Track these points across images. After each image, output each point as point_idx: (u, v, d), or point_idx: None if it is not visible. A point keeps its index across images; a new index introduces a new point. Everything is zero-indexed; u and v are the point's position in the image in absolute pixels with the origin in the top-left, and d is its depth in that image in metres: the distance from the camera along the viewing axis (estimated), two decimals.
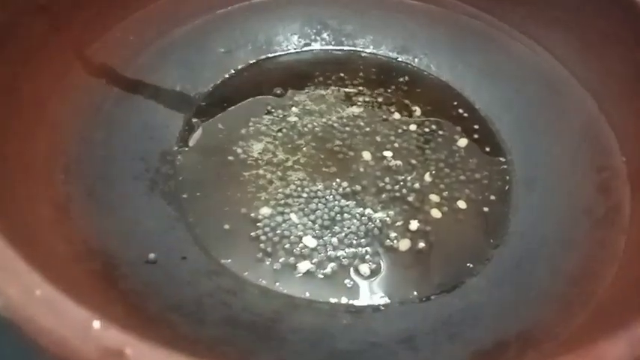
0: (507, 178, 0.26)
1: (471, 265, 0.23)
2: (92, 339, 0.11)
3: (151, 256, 0.21)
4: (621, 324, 0.13)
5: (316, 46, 0.31)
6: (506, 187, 0.26)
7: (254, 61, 0.30)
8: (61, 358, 0.11)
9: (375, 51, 0.31)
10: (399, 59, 0.31)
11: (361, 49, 0.31)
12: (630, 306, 0.16)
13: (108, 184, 0.23)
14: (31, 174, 0.20)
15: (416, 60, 0.31)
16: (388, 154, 0.27)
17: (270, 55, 0.30)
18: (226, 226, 0.24)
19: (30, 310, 0.12)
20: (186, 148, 0.26)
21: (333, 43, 0.31)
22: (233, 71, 0.29)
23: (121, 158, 0.24)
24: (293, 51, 0.31)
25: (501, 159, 0.27)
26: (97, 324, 0.11)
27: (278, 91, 0.29)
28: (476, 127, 0.28)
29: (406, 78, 0.30)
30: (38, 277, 0.12)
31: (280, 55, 0.31)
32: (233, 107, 0.28)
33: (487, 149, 0.27)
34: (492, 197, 0.25)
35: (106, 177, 0.23)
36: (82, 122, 0.23)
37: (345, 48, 0.31)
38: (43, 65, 0.22)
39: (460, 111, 0.29)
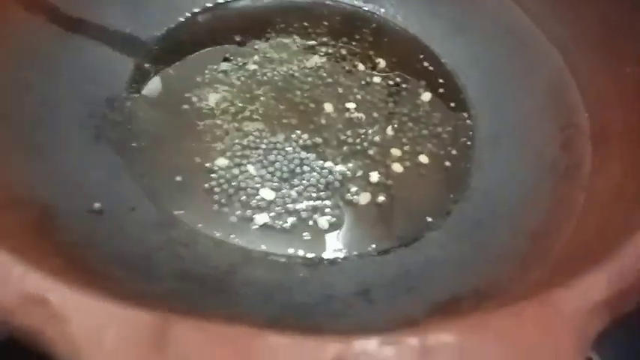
0: (471, 133, 0.26)
1: (431, 220, 0.22)
2: (12, 284, 0.10)
3: (96, 205, 0.20)
4: (576, 275, 0.13)
5: None
6: (470, 143, 0.25)
7: (211, 4, 0.28)
8: None
9: None
10: (365, 8, 0.30)
11: None
12: (585, 260, 0.16)
13: (46, 129, 0.21)
14: None
15: (382, 10, 0.29)
16: (351, 106, 0.26)
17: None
18: (179, 177, 0.22)
19: None
20: (137, 95, 0.25)
21: None
22: (188, 14, 0.28)
23: (62, 104, 0.22)
24: None
25: (466, 114, 0.26)
26: (18, 268, 0.10)
27: (237, 38, 0.27)
28: (441, 81, 0.27)
29: (372, 28, 0.29)
30: None
31: (239, 0, 0.29)
32: (188, 53, 0.27)
33: (452, 104, 0.27)
34: (455, 153, 0.25)
35: (43, 122, 0.21)
36: (15, 63, 0.21)
37: None
38: None
39: (426, 64, 0.28)
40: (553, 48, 0.25)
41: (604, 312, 0.12)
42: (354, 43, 0.28)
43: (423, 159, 0.24)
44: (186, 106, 0.25)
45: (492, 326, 0.11)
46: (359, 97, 0.26)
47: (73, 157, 0.21)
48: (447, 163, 0.24)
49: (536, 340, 0.11)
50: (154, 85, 0.25)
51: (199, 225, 0.21)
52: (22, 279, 0.10)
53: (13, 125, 0.19)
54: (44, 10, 0.23)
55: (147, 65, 0.25)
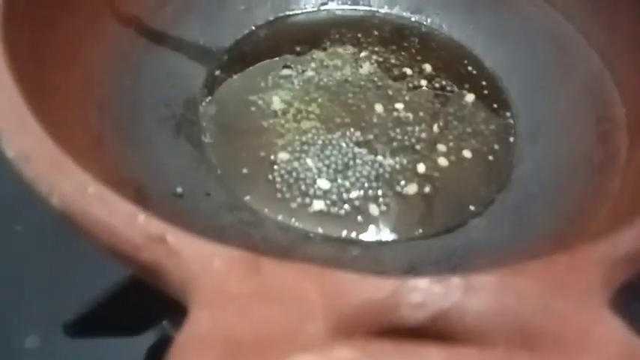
0: (512, 131, 0.27)
1: (474, 208, 0.24)
2: (138, 227, 0.13)
3: (179, 190, 0.23)
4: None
5: (333, 5, 0.32)
6: (511, 139, 0.27)
7: (272, 18, 0.31)
8: (112, 244, 0.13)
9: (389, 11, 0.32)
10: (413, 19, 0.32)
11: (376, 9, 0.32)
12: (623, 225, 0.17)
13: (137, 124, 0.24)
14: (68, 105, 0.21)
15: (428, 20, 0.32)
16: (399, 106, 0.28)
17: (287, 13, 0.32)
18: (245, 169, 0.25)
19: (84, 203, 0.13)
20: (209, 98, 0.28)
21: (349, 2, 0.32)
22: (253, 27, 0.31)
23: (148, 103, 0.26)
24: (310, 10, 0.32)
25: (507, 113, 0.28)
26: (142, 215, 0.13)
27: (296, 48, 0.30)
28: (484, 83, 0.29)
29: (418, 37, 0.31)
30: (89, 177, 0.14)
31: (297, 14, 0.32)
32: (253, 61, 0.30)
33: (494, 105, 0.29)
34: (497, 148, 0.27)
35: (135, 118, 0.24)
36: (112, 67, 0.25)
37: (361, 8, 0.32)
38: (77, 11, 0.23)
39: (469, 68, 0.30)
40: (592, 50, 0.27)
41: (628, 264, 0.14)
42: (402, 51, 0.31)
43: (467, 154, 0.26)
44: (252, 108, 0.28)
45: (529, 269, 0.13)
46: (407, 98, 0.29)
47: (158, 149, 0.24)
48: (490, 158, 0.26)
49: (566, 278, 0.13)
50: (223, 90, 0.28)
51: (265, 209, 0.24)
52: (146, 223, 0.13)
53: (113, 119, 0.23)
54: (134, 25, 0.27)
55: (217, 72, 0.29)
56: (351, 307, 0.12)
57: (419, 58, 0.30)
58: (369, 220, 0.24)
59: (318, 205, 0.24)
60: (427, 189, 0.25)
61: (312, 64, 0.30)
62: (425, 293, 0.13)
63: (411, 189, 0.25)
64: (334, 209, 0.24)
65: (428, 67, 0.30)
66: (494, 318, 0.12)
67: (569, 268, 0.13)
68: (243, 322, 0.10)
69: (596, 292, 0.12)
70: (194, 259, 0.12)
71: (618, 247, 0.13)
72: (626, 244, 0.14)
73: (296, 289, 0.12)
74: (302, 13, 0.32)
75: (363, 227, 0.24)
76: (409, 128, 0.27)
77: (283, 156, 0.26)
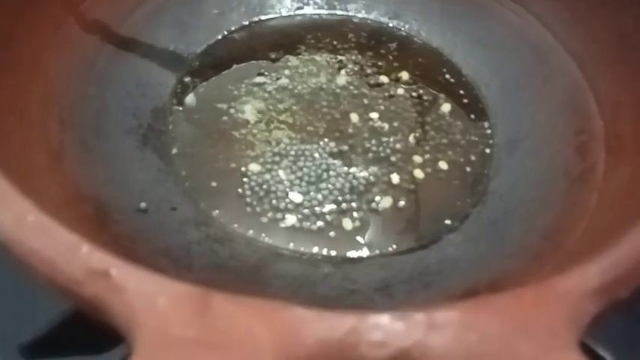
0: (490, 141, 0.27)
1: (450, 222, 0.24)
2: (79, 260, 0.12)
3: (142, 205, 0.22)
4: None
5: (308, 10, 0.31)
6: (489, 151, 0.26)
7: (246, 23, 0.30)
8: (51, 277, 0.12)
9: (366, 16, 0.31)
10: (390, 25, 0.31)
11: (353, 14, 0.31)
12: (595, 252, 0.17)
13: (101, 136, 0.23)
14: (26, 122, 0.20)
15: (407, 26, 0.31)
16: (375, 116, 0.27)
17: (262, 18, 0.31)
18: (215, 182, 0.24)
19: (21, 233, 0.12)
20: (180, 107, 0.27)
21: (325, 7, 0.32)
22: (226, 32, 0.30)
23: (114, 113, 0.25)
24: (285, 14, 0.31)
25: (485, 124, 0.27)
26: (84, 247, 0.12)
27: (270, 54, 0.29)
28: (462, 92, 0.29)
29: (396, 43, 0.31)
30: (30, 206, 0.13)
31: (273, 18, 0.31)
32: (226, 68, 0.29)
33: (472, 114, 0.28)
34: (474, 159, 0.26)
35: (98, 130, 0.24)
36: (75, 76, 0.24)
37: (338, 12, 0.32)
38: (38, 18, 0.22)
39: (447, 77, 0.29)
40: (570, 59, 0.26)
41: (598, 297, 0.13)
42: (379, 58, 0.30)
43: (443, 165, 0.26)
44: (224, 117, 0.27)
45: (493, 305, 0.12)
46: (383, 107, 0.28)
47: (123, 162, 0.23)
48: (467, 169, 0.26)
49: (531, 317, 0.12)
50: (193, 98, 0.27)
51: (234, 224, 0.23)
52: (88, 255, 0.12)
53: (75, 131, 0.22)
54: (100, 31, 0.25)
55: (188, 79, 0.28)
56: (305, 348, 0.11)
57: (396, 65, 0.30)
58: (342, 235, 0.23)
59: (290, 219, 0.24)
60: (402, 202, 0.24)
61: (287, 71, 0.29)
62: (386, 330, 0.12)
63: (386, 202, 0.24)
64: (306, 224, 0.23)
65: (405, 75, 0.29)
66: (455, 358, 0.11)
67: (534, 305, 0.12)
68: None
69: (564, 331, 0.12)
70: (138, 296, 0.12)
71: (587, 279, 0.13)
72: (595, 276, 0.13)
73: (245, 332, 0.11)
74: (277, 17, 0.31)
75: (335, 243, 0.23)
76: (385, 139, 0.27)
77: (254, 168, 0.25)
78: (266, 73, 0.29)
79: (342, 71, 0.29)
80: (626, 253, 0.14)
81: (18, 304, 0.24)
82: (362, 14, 0.32)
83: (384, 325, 0.12)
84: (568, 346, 0.11)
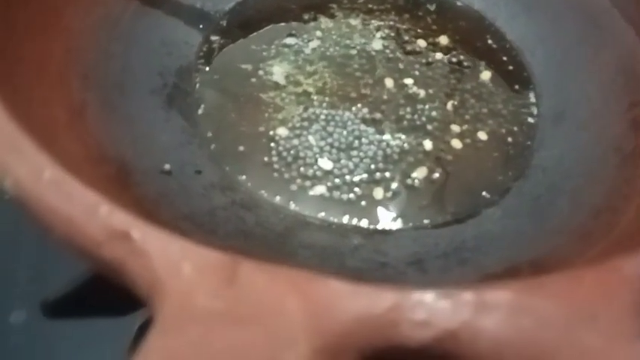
0: (534, 112, 0.25)
1: (488, 196, 0.22)
2: (99, 220, 0.11)
3: (166, 166, 0.21)
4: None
5: None
6: (532, 122, 0.25)
7: None
8: (69, 238, 0.11)
9: None
10: None
11: None
12: None
13: (124, 95, 0.22)
14: (47, 78, 0.19)
15: None
16: (411, 82, 0.26)
17: None
18: (241, 146, 0.23)
19: (38, 189, 0.12)
20: (206, 67, 0.26)
21: None
22: None
23: (139, 71, 0.24)
24: None
25: (530, 93, 0.26)
26: (104, 206, 0.11)
27: (302, 15, 0.28)
28: (505, 59, 0.27)
29: (435, 5, 0.29)
30: (47, 160, 0.12)
31: None
32: (255, 28, 0.27)
33: (515, 82, 0.26)
34: (516, 130, 0.24)
35: (122, 89, 0.23)
36: (99, 33, 0.23)
37: None
38: None
39: (490, 42, 0.27)
40: (626, 25, 0.24)
41: None
42: (416, 21, 0.28)
43: (483, 136, 0.24)
44: (252, 79, 0.25)
45: (550, 287, 0.11)
46: (420, 73, 0.26)
47: (146, 122, 0.22)
48: (508, 141, 0.24)
49: (592, 302, 0.11)
50: (221, 58, 0.26)
51: (261, 190, 0.22)
52: (109, 215, 0.11)
53: (98, 89, 0.21)
54: None
55: (215, 38, 0.27)
56: (341, 325, 0.10)
57: (435, 28, 0.28)
58: (373, 205, 0.22)
59: (319, 187, 0.22)
60: (438, 173, 0.23)
61: (319, 33, 0.27)
62: (430, 309, 0.11)
63: (420, 173, 0.23)
64: (336, 193, 0.22)
65: (444, 40, 0.27)
66: (508, 343, 0.10)
67: (597, 289, 0.11)
68: (206, 352, 0.09)
69: (629, 321, 0.10)
70: (161, 261, 0.11)
71: None
72: None
73: (276, 306, 0.10)
74: None
75: (366, 213, 0.22)
76: (421, 106, 0.25)
77: (283, 132, 0.24)
78: (297, 34, 0.27)
79: (377, 34, 0.28)
80: None
81: (42, 260, 0.24)
82: None
83: (428, 304, 0.11)
84: (633, 338, 0.10)
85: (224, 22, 0.27)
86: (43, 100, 0.19)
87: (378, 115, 0.25)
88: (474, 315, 0.11)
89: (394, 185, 0.23)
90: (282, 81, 0.25)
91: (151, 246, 0.11)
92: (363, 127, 0.24)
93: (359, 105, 0.25)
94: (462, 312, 0.11)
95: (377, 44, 0.27)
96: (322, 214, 0.22)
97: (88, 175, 0.17)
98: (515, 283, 0.11)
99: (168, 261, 0.11)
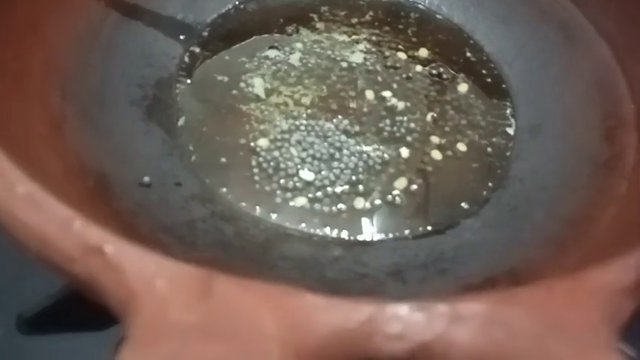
0: (512, 123, 0.25)
1: (467, 207, 0.23)
2: (73, 235, 0.11)
3: (146, 179, 0.21)
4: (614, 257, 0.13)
5: None
6: (510, 133, 0.25)
7: None
8: (42, 253, 0.11)
9: None
10: None
11: None
12: (625, 246, 0.16)
13: (104, 107, 0.22)
14: (25, 89, 0.19)
15: (427, 0, 0.30)
16: (391, 93, 0.26)
17: None
18: (223, 157, 0.23)
19: (11, 205, 0.11)
20: (187, 79, 0.26)
21: None
22: (237, 2, 0.29)
23: (118, 83, 0.24)
24: None
25: (507, 104, 0.26)
26: (78, 221, 0.11)
27: (283, 27, 0.28)
28: (483, 71, 0.27)
29: (415, 18, 0.29)
30: (20, 174, 0.12)
31: None
32: (237, 40, 0.27)
33: (494, 94, 0.26)
34: (495, 141, 0.25)
35: (102, 100, 0.22)
36: (79, 44, 0.23)
37: None
38: None
39: (469, 55, 0.28)
40: (600, 39, 0.25)
41: (637, 292, 0.12)
42: (397, 34, 0.29)
43: (462, 147, 0.24)
44: (233, 91, 0.25)
45: (522, 299, 0.11)
46: (400, 85, 0.26)
47: (126, 133, 0.22)
48: (487, 152, 0.24)
49: (564, 314, 0.11)
50: (202, 69, 0.26)
51: (241, 202, 0.22)
52: (83, 230, 0.11)
53: (77, 101, 0.21)
54: None
55: (196, 50, 0.27)
56: (316, 338, 0.10)
57: (415, 41, 0.28)
58: (354, 217, 0.22)
59: (300, 199, 0.22)
60: (418, 185, 0.23)
61: (300, 45, 0.28)
62: (405, 322, 0.11)
63: (401, 184, 0.23)
64: (317, 204, 0.22)
65: (424, 52, 0.28)
66: (481, 355, 0.10)
67: (568, 299, 0.11)
68: None
69: (600, 331, 0.11)
70: (135, 276, 0.11)
71: (625, 272, 0.12)
72: (633, 269, 0.12)
73: (250, 319, 0.10)
74: None
75: (346, 224, 0.22)
76: (401, 118, 0.25)
77: (264, 143, 0.24)
78: (278, 47, 0.27)
79: (358, 46, 0.28)
80: None
81: (19, 276, 0.24)
82: None
83: (403, 316, 0.11)
84: (604, 348, 0.10)
85: (205, 34, 0.27)
86: (22, 113, 0.19)
87: (358, 127, 0.25)
88: (448, 327, 0.11)
89: (375, 196, 0.23)
90: (262, 93, 0.26)
91: (125, 261, 0.11)
92: (343, 138, 0.24)
93: (340, 117, 0.25)
94: (436, 324, 0.11)
95: (358, 57, 0.27)
96: (303, 226, 0.22)
97: (66, 188, 0.17)
98: (487, 295, 0.11)
99: (142, 275, 0.11)
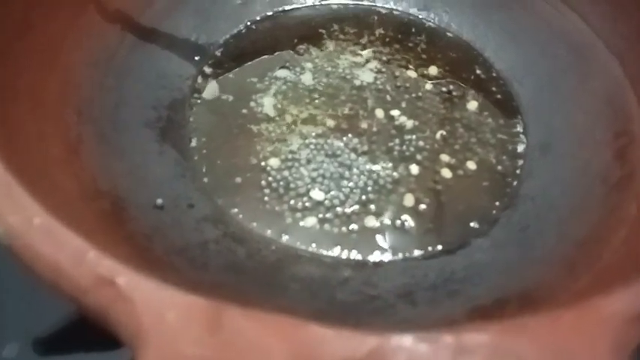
0: (522, 142, 0.25)
1: (478, 226, 0.23)
2: (86, 267, 0.11)
3: (159, 201, 0.21)
4: (620, 284, 0.13)
5: (334, 0, 0.30)
6: (521, 151, 0.25)
7: (270, 13, 0.29)
8: (56, 284, 0.12)
9: (394, 7, 0.30)
10: (420, 16, 0.30)
11: (381, 5, 0.30)
12: (635, 269, 0.16)
13: (119, 129, 0.23)
14: (43, 112, 0.20)
15: (437, 18, 0.30)
16: (401, 112, 0.26)
17: (286, 8, 0.30)
18: (235, 177, 0.24)
19: (28, 237, 0.12)
20: (199, 99, 0.26)
21: None
22: (249, 23, 0.29)
23: (133, 105, 0.24)
24: (310, 4, 0.30)
25: (518, 122, 0.26)
26: (91, 253, 0.12)
27: (294, 46, 0.29)
28: (493, 88, 0.27)
29: (425, 36, 0.29)
30: (38, 207, 0.12)
31: (297, 9, 0.30)
32: (248, 60, 0.28)
33: (504, 112, 0.27)
34: (505, 160, 0.25)
35: (117, 122, 0.23)
36: (95, 67, 0.24)
37: (364, 3, 0.30)
38: (57, 7, 0.22)
39: (478, 72, 0.28)
40: (611, 57, 0.25)
41: None
42: (406, 52, 0.29)
43: (472, 165, 0.25)
44: (244, 110, 0.26)
45: (529, 329, 0.11)
46: (410, 103, 0.27)
47: (140, 155, 0.22)
48: (497, 170, 0.24)
49: (572, 344, 0.11)
50: (214, 90, 0.27)
51: (253, 223, 0.22)
52: (95, 262, 0.12)
53: (93, 123, 0.21)
54: (121, 21, 0.25)
55: (209, 71, 0.27)
56: None
57: (424, 59, 0.28)
58: (364, 237, 0.22)
59: (310, 219, 0.23)
60: (428, 203, 0.23)
61: (310, 64, 0.28)
62: (410, 353, 0.11)
63: (411, 203, 0.23)
64: (327, 224, 0.23)
65: (434, 70, 0.28)
66: None
67: (575, 329, 0.11)
68: None
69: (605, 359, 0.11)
70: (146, 308, 0.11)
71: (634, 300, 0.12)
72: None
73: (260, 352, 0.10)
74: (302, 7, 0.30)
75: (357, 245, 0.22)
76: (411, 136, 0.26)
77: (275, 163, 0.24)
78: (289, 66, 0.28)
79: (368, 65, 0.28)
80: None
81: (34, 296, 0.24)
82: (390, 5, 0.30)
83: (407, 348, 0.11)
84: None
85: (217, 55, 0.28)
86: (39, 136, 0.19)
87: (368, 146, 0.25)
88: (453, 359, 0.11)
89: (385, 216, 0.23)
90: (273, 112, 0.26)
91: (136, 293, 0.11)
92: (353, 156, 0.25)
93: (350, 135, 0.25)
94: (441, 355, 0.11)
95: (368, 75, 0.28)
96: (313, 246, 0.22)
97: (82, 212, 0.18)
98: (493, 325, 0.11)
99: (153, 308, 0.11)
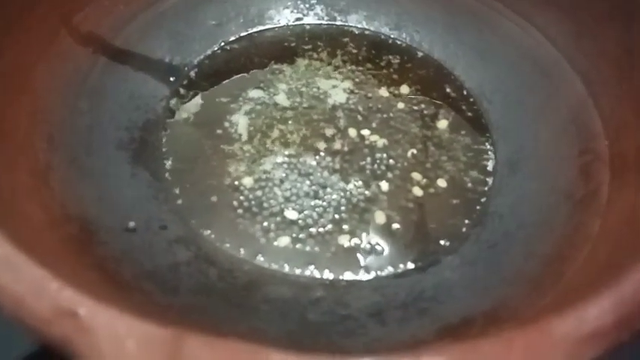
0: (491, 159, 0.26)
1: (448, 244, 0.23)
2: (47, 298, 0.12)
3: (131, 224, 0.21)
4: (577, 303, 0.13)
5: (308, 20, 0.31)
6: (490, 169, 0.26)
7: (244, 34, 0.30)
8: (16, 315, 0.12)
9: (367, 27, 0.31)
10: (392, 36, 0.31)
11: (353, 25, 0.31)
12: (596, 286, 0.16)
13: (91, 152, 0.23)
14: (11, 142, 0.20)
15: (408, 38, 0.30)
16: (372, 131, 0.27)
17: (261, 29, 0.30)
18: (209, 198, 0.24)
19: None
20: (173, 120, 0.26)
21: (325, 18, 0.31)
22: (223, 43, 0.29)
23: (106, 127, 0.24)
24: (284, 25, 0.31)
25: (487, 140, 0.27)
26: (53, 284, 0.12)
27: (268, 67, 0.29)
28: (464, 107, 0.28)
29: (397, 55, 0.30)
30: (0, 237, 0.12)
31: (271, 29, 0.30)
32: (222, 80, 0.28)
33: (473, 130, 0.27)
34: (475, 177, 0.25)
35: (89, 146, 0.23)
36: (67, 91, 0.24)
37: (337, 23, 0.31)
38: (28, 32, 0.22)
39: (449, 90, 0.29)
40: (576, 76, 0.25)
41: (597, 342, 0.12)
42: (379, 69, 0.29)
43: (443, 183, 0.25)
44: (218, 131, 0.26)
45: (482, 351, 0.12)
46: (382, 122, 0.27)
47: (112, 178, 0.22)
48: (467, 188, 0.25)
49: None
50: (188, 110, 0.27)
51: (225, 244, 0.22)
52: (57, 293, 0.12)
53: (64, 149, 0.21)
54: (93, 43, 0.25)
55: (183, 91, 0.27)
56: None
57: (396, 78, 0.29)
58: (337, 256, 0.23)
59: (284, 238, 0.23)
60: (400, 221, 0.24)
61: (284, 85, 0.28)
62: None
63: (383, 221, 0.24)
64: (300, 244, 0.23)
65: (405, 89, 0.29)
66: None
67: (527, 352, 0.11)
68: None
69: None
70: (106, 338, 0.11)
71: (584, 323, 0.12)
72: (593, 319, 0.12)
73: None
74: (275, 27, 0.30)
75: (330, 264, 0.22)
76: (383, 154, 0.26)
77: (248, 183, 0.24)
78: (263, 87, 0.28)
79: (341, 85, 0.29)
80: (628, 292, 0.13)
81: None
82: (362, 25, 0.31)
83: None
84: None
85: (192, 75, 0.28)
86: (7, 165, 0.19)
87: (341, 165, 0.25)
88: None
89: (357, 235, 0.23)
90: (246, 133, 0.26)
91: (97, 323, 0.11)
92: (327, 175, 0.25)
93: (322, 154, 0.26)
94: None
95: (340, 95, 0.28)
96: (286, 266, 0.22)
97: (47, 239, 0.18)
98: (448, 348, 0.12)
99: (113, 338, 0.11)
